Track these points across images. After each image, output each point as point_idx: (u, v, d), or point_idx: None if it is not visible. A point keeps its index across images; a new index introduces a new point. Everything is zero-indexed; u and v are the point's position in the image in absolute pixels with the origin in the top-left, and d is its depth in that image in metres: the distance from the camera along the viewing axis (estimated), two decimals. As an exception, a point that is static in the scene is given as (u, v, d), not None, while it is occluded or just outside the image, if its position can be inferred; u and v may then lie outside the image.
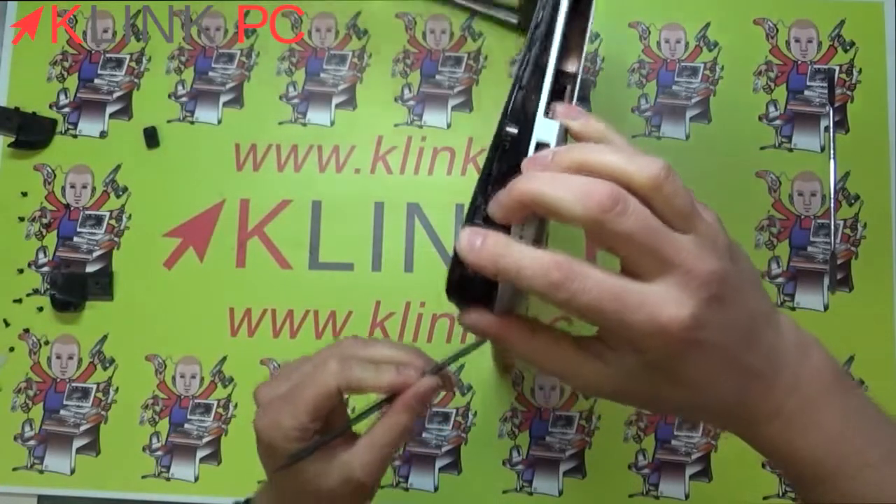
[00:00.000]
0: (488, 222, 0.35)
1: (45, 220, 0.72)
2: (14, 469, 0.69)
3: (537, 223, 0.35)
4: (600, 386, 0.36)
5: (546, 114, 0.36)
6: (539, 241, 0.36)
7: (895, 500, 0.35)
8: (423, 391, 0.42)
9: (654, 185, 0.32)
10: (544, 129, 0.36)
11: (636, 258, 0.32)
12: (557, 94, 0.38)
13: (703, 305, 0.32)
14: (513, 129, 0.36)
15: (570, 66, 0.38)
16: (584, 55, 0.39)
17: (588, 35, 0.39)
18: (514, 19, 0.71)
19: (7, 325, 0.71)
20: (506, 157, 0.36)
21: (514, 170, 0.35)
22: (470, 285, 0.36)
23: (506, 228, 0.35)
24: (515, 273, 0.32)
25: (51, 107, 0.73)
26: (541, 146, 0.36)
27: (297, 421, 0.42)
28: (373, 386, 0.42)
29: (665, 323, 0.32)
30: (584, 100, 0.71)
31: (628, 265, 0.33)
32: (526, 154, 0.36)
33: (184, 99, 0.73)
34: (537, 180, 0.33)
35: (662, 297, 0.32)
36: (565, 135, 0.37)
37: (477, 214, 0.36)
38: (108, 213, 0.72)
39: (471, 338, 0.68)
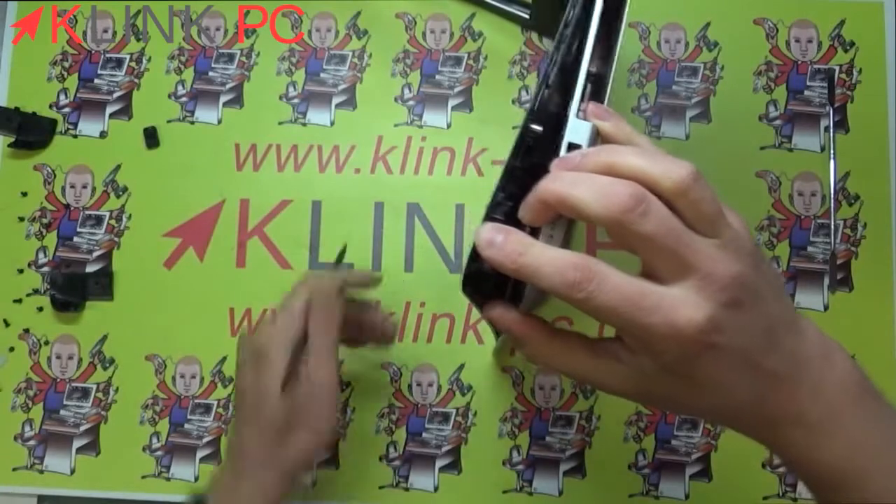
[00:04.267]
0: (509, 219, 0.35)
1: (45, 220, 0.72)
2: (14, 469, 0.69)
3: (566, 225, 0.36)
4: (617, 387, 0.36)
5: (577, 115, 0.36)
6: (568, 243, 0.36)
7: None
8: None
9: (680, 190, 0.32)
10: (576, 130, 0.36)
11: (656, 260, 0.32)
12: (590, 95, 0.38)
13: (720, 309, 0.32)
14: (537, 127, 0.36)
15: (595, 67, 0.38)
16: (616, 56, 0.39)
17: (621, 36, 0.39)
18: (525, 14, 0.71)
19: (7, 325, 0.71)
20: (529, 155, 0.36)
21: (537, 167, 0.35)
22: (485, 280, 0.36)
23: (535, 230, 0.35)
24: (534, 272, 0.32)
25: (51, 107, 0.73)
26: (572, 147, 0.36)
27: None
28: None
29: (681, 326, 0.32)
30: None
31: (648, 267, 0.33)
32: (552, 153, 0.36)
33: (184, 99, 0.73)
34: (561, 181, 0.33)
35: (680, 300, 0.32)
36: (596, 135, 0.37)
37: (497, 210, 0.36)
38: (108, 213, 0.72)
39: (472, 342, 0.68)
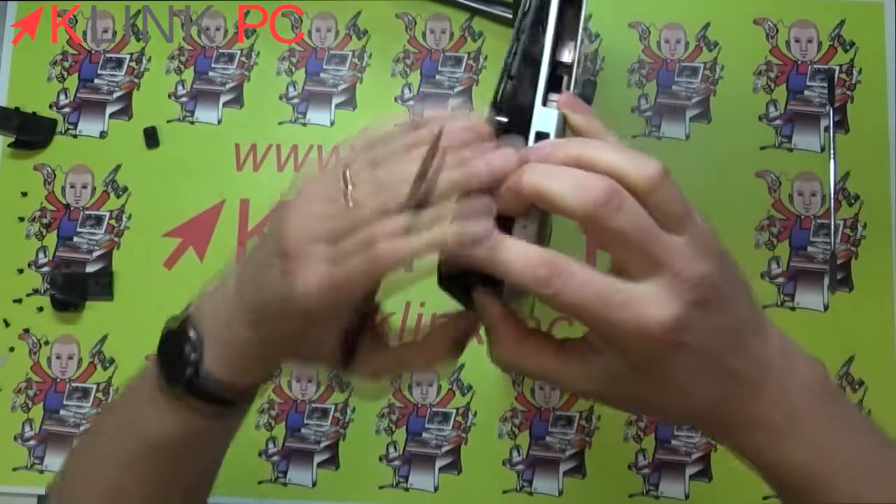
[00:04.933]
0: None
1: (45, 220, 0.72)
2: (14, 469, 0.69)
3: (539, 217, 0.35)
4: (582, 387, 0.36)
5: (544, 103, 0.36)
6: (542, 237, 0.36)
7: None
8: None
9: (650, 186, 0.32)
10: (543, 118, 0.36)
11: (626, 256, 0.32)
12: (554, 85, 0.37)
13: (689, 308, 0.32)
14: (502, 119, 0.36)
15: (566, 56, 0.38)
16: (578, 45, 0.38)
17: (582, 23, 0.38)
18: (509, 14, 0.71)
19: (7, 325, 0.71)
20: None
21: None
22: (463, 274, 0.36)
23: (509, 221, 0.35)
24: (504, 267, 0.32)
25: (51, 107, 0.73)
26: (541, 136, 0.36)
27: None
28: None
29: (649, 324, 0.31)
30: (587, 101, 0.71)
31: (618, 264, 0.33)
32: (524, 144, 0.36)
33: (184, 99, 0.73)
34: (536, 172, 0.33)
35: (648, 298, 0.32)
36: (564, 126, 0.37)
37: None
38: (108, 213, 0.72)
39: (473, 342, 0.68)
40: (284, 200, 0.36)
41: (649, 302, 0.32)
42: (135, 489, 0.42)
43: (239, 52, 0.73)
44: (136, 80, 0.73)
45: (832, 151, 0.70)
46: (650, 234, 0.32)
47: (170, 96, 0.73)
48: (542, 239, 0.36)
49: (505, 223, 0.35)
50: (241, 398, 0.41)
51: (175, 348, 0.39)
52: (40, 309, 0.71)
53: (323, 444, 0.68)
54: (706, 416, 0.36)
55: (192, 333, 0.39)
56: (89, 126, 0.73)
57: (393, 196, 0.33)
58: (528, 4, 0.38)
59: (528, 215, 0.35)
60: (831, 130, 0.71)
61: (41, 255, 0.71)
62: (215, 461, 0.46)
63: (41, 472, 0.69)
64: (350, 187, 0.34)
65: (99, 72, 0.74)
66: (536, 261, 0.32)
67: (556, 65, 0.37)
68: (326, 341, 0.38)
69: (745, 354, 0.35)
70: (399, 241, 0.33)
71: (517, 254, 0.32)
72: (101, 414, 0.45)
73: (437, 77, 0.73)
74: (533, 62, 0.37)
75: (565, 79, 0.38)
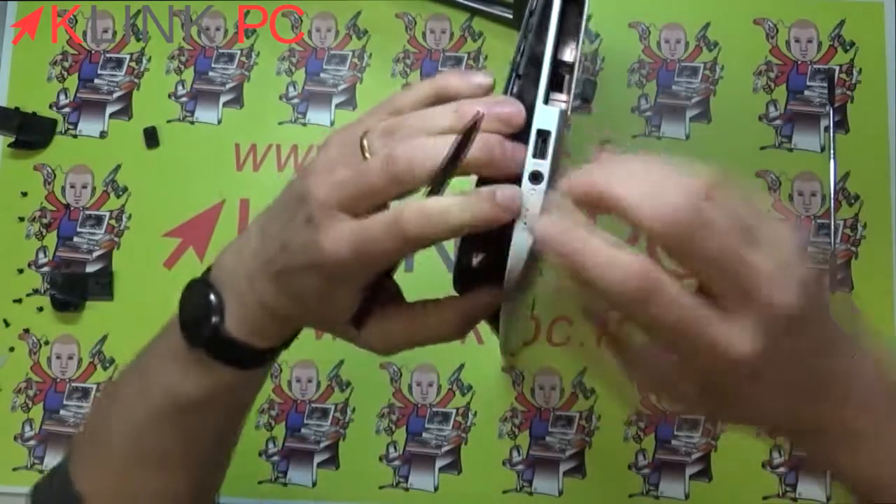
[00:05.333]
0: None
1: (45, 220, 0.72)
2: (14, 469, 0.69)
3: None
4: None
5: (545, 101, 0.36)
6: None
7: None
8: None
9: (667, 235, 0.29)
10: (544, 116, 0.36)
11: (714, 281, 0.30)
12: (556, 84, 0.38)
13: (774, 341, 0.30)
14: None
15: (567, 56, 0.38)
16: (580, 44, 0.38)
17: (584, 22, 0.38)
18: (509, 14, 0.71)
19: (7, 325, 0.71)
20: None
21: None
22: (476, 276, 0.36)
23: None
24: (591, 270, 0.29)
25: (51, 107, 0.73)
26: (542, 134, 0.36)
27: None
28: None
29: (733, 355, 0.30)
30: (587, 101, 0.71)
31: (704, 285, 0.31)
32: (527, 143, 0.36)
33: (184, 99, 0.73)
34: (608, 173, 0.30)
35: (736, 329, 0.30)
36: (565, 122, 0.37)
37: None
38: (108, 213, 0.72)
39: (472, 342, 0.68)
40: (311, 161, 0.36)
41: (737, 333, 0.30)
42: (156, 445, 0.42)
43: (239, 52, 0.73)
44: (136, 80, 0.73)
45: (832, 151, 0.70)
46: (736, 256, 0.29)
47: (170, 96, 0.73)
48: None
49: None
50: (259, 360, 0.41)
51: (196, 311, 0.39)
52: (40, 309, 0.71)
53: (323, 444, 0.68)
54: (782, 429, 0.35)
55: (213, 297, 0.39)
56: (89, 126, 0.73)
57: (409, 171, 0.33)
58: (534, 3, 0.38)
59: (527, 217, 0.35)
60: (831, 130, 0.71)
61: (41, 255, 0.71)
62: (236, 422, 0.46)
63: (41, 472, 0.68)
64: (368, 156, 0.34)
65: (99, 72, 0.74)
66: (633, 273, 0.29)
67: (557, 64, 0.38)
68: (342, 303, 0.37)
69: (827, 374, 0.34)
70: (430, 211, 0.32)
71: (608, 258, 0.29)
72: (121, 374, 0.45)
73: (437, 77, 0.72)
74: (537, 61, 0.37)
75: (567, 78, 0.38)
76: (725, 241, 0.29)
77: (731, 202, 0.30)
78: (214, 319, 0.38)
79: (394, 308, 0.39)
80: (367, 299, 0.38)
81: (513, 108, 0.34)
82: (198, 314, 0.39)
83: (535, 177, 0.34)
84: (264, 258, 0.37)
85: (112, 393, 0.46)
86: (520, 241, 0.34)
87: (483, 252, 0.36)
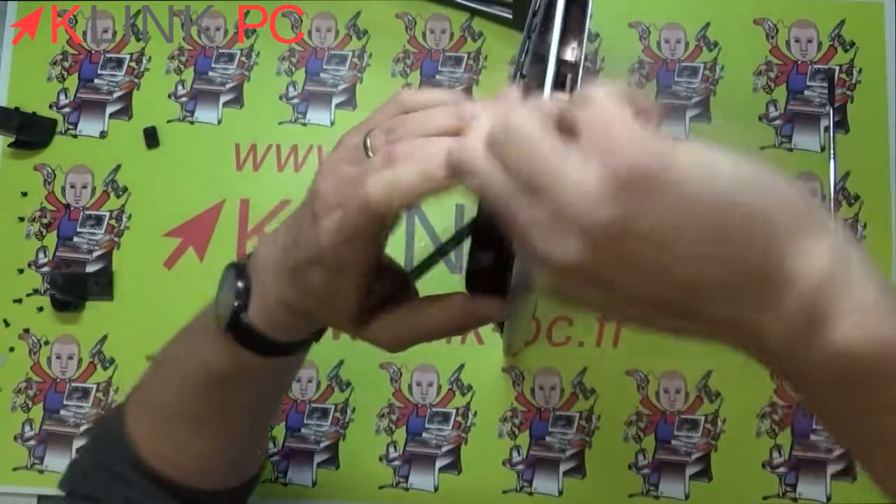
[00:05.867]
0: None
1: (45, 220, 0.72)
2: (14, 469, 0.69)
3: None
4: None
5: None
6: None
7: None
8: None
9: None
10: None
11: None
12: (559, 83, 0.38)
13: (604, 248, 0.29)
14: None
15: (569, 55, 0.38)
16: (584, 43, 0.39)
17: (588, 22, 0.39)
18: (509, 14, 0.71)
19: (7, 325, 0.71)
20: None
21: None
22: (488, 275, 0.37)
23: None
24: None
25: (51, 107, 0.73)
26: None
27: None
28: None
29: (562, 268, 0.30)
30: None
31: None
32: None
33: (184, 99, 0.73)
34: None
35: (563, 242, 0.29)
36: None
37: None
38: (108, 213, 0.72)
39: (472, 342, 0.68)
40: (324, 160, 0.38)
41: (561, 245, 0.29)
42: (192, 408, 0.46)
43: (239, 52, 0.73)
44: (136, 80, 0.73)
45: (832, 151, 0.70)
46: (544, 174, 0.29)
47: (170, 96, 0.73)
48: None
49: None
50: (281, 351, 0.43)
51: (224, 294, 0.42)
52: (40, 309, 0.71)
53: (323, 444, 0.68)
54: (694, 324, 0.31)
55: (240, 284, 0.41)
56: (89, 126, 0.73)
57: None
58: (537, 3, 0.38)
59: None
60: (831, 130, 0.71)
61: (41, 255, 0.71)
62: (270, 402, 0.50)
63: (41, 472, 0.69)
64: (371, 154, 0.36)
65: (99, 72, 0.74)
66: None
67: (560, 63, 0.38)
68: (345, 296, 0.38)
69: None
70: (383, 174, 0.34)
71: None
72: (170, 342, 0.49)
73: (438, 77, 0.73)
74: (541, 61, 0.37)
75: (569, 77, 0.38)
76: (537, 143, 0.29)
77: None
78: (237, 304, 0.41)
79: (403, 304, 0.41)
80: (371, 293, 0.39)
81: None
82: (225, 297, 0.41)
83: None
84: (283, 253, 0.39)
85: (160, 359, 0.50)
86: None
87: (494, 252, 0.37)
